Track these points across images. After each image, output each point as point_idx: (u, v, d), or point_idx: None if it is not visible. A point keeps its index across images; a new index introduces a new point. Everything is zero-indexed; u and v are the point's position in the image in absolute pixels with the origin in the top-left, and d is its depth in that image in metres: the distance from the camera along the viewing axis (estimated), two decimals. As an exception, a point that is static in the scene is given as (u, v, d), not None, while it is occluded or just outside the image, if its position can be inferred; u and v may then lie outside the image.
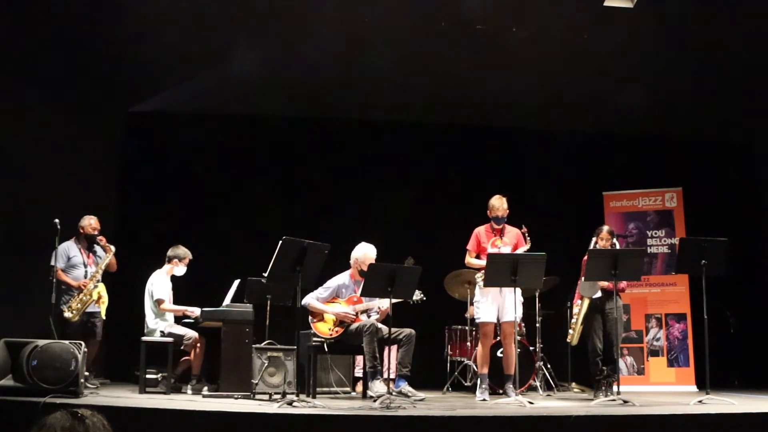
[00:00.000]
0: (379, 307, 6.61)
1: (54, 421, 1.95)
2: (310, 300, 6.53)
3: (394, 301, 6.10)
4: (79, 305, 6.51)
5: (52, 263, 6.52)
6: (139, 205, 8.92)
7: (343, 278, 6.70)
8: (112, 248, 6.79)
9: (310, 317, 6.56)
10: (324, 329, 6.49)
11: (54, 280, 6.10)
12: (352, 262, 6.70)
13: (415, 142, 9.63)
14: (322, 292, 6.60)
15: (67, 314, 6.44)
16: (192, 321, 6.89)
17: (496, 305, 6.47)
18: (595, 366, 6.70)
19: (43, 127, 7.43)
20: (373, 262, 6.40)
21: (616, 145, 9.73)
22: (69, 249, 6.76)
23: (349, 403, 5.65)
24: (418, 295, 6.60)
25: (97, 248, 6.88)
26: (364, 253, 6.59)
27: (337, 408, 4.96)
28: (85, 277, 6.69)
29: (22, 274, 6.87)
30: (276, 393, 5.93)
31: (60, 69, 7.54)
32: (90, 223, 6.86)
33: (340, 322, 6.48)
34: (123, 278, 7.49)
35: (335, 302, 6.61)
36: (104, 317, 6.75)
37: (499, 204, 6.57)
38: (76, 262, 6.76)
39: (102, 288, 6.69)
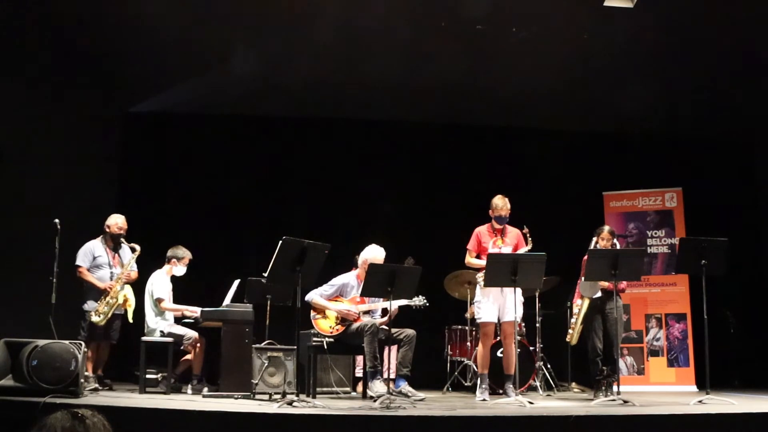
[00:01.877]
0: (383, 309, 6.60)
1: (54, 421, 1.95)
2: (314, 296, 6.54)
3: (397, 304, 6.12)
4: (106, 308, 6.46)
5: (77, 263, 6.53)
6: (139, 205, 8.90)
7: (348, 277, 6.71)
8: (137, 247, 6.74)
9: (312, 313, 6.57)
10: (325, 326, 6.49)
11: (54, 280, 6.06)
12: (360, 262, 6.69)
13: (415, 142, 9.63)
14: (327, 289, 6.60)
15: (94, 318, 6.42)
16: (192, 321, 6.89)
17: (497, 305, 6.47)
18: (595, 366, 6.70)
19: (43, 127, 7.43)
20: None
21: (616, 145, 9.74)
22: (94, 248, 6.68)
23: (349, 403, 5.65)
24: (420, 301, 6.59)
25: (125, 248, 6.80)
26: (374, 255, 6.58)
27: (337, 408, 4.95)
28: (111, 278, 6.63)
29: (22, 274, 6.85)
30: (276, 393, 5.92)
31: (60, 69, 7.55)
32: (116, 222, 6.77)
33: (342, 320, 6.49)
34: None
35: (338, 301, 6.62)
36: (131, 320, 6.67)
37: (502, 204, 6.58)
38: (101, 262, 6.67)
39: (129, 290, 6.62)
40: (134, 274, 6.83)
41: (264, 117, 9.56)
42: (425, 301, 6.63)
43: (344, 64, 8.23)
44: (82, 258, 6.61)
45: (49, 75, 7.44)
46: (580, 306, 6.68)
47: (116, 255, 6.80)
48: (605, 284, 6.53)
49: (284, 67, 8.23)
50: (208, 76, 8.27)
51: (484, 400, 6.28)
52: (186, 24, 7.30)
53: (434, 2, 7.12)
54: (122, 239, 6.76)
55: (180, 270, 7.06)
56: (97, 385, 6.34)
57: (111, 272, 6.67)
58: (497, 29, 7.45)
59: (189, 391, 6.53)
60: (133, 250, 6.76)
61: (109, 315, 6.50)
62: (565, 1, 7.10)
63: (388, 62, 8.10)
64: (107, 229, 6.78)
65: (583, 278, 6.56)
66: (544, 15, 7.19)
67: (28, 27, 6.94)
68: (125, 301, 6.59)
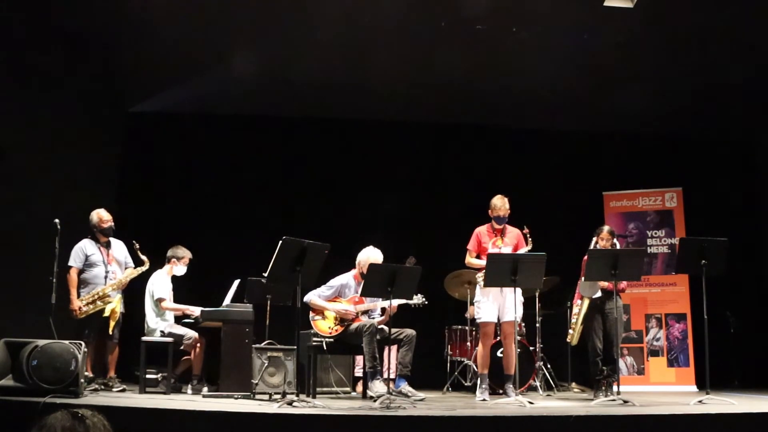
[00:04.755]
0: (382, 309, 6.61)
1: (54, 421, 1.96)
2: (312, 297, 6.54)
3: (397, 303, 6.11)
4: (90, 306, 6.38)
5: (69, 263, 6.43)
6: (139, 205, 8.91)
7: (346, 278, 6.71)
8: (146, 261, 6.65)
9: (311, 314, 6.57)
10: (324, 327, 6.50)
11: (54, 280, 6.03)
12: (357, 263, 6.70)
13: (416, 142, 9.64)
14: (325, 290, 6.61)
15: (75, 309, 6.30)
16: (192, 321, 6.88)
17: (497, 305, 6.48)
18: (595, 366, 6.70)
19: (43, 127, 7.43)
20: None
21: (616, 145, 9.74)
22: (86, 247, 6.54)
23: (349, 403, 5.65)
24: (419, 299, 6.59)
25: (115, 244, 6.71)
26: (368, 257, 6.57)
27: (337, 408, 4.96)
28: (106, 275, 6.52)
29: (22, 274, 6.85)
30: (276, 393, 5.93)
31: (60, 69, 7.55)
32: (100, 217, 6.61)
33: (341, 320, 6.49)
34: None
35: (337, 301, 6.62)
36: (111, 332, 6.46)
37: (501, 204, 6.58)
38: (95, 260, 6.53)
39: (118, 303, 6.49)
40: (128, 275, 6.69)
41: (264, 117, 9.56)
42: (424, 299, 6.64)
43: (345, 64, 8.23)
44: (74, 258, 6.47)
45: (50, 75, 7.44)
46: (580, 306, 6.68)
47: (109, 252, 6.66)
48: (605, 284, 6.53)
49: (284, 67, 8.23)
50: (209, 76, 8.27)
51: (484, 400, 6.29)
52: (186, 24, 7.31)
53: (434, 2, 7.12)
54: (135, 247, 6.62)
55: (180, 270, 7.05)
56: (124, 386, 6.33)
57: (107, 270, 6.56)
58: (497, 29, 7.45)
59: (189, 391, 6.53)
60: (141, 263, 6.68)
61: (88, 313, 6.37)
62: (565, 1, 7.10)
63: (389, 62, 8.11)
64: (94, 228, 6.62)
65: (583, 278, 6.56)
66: (544, 15, 7.19)
67: (29, 28, 6.94)
68: (112, 312, 6.44)
